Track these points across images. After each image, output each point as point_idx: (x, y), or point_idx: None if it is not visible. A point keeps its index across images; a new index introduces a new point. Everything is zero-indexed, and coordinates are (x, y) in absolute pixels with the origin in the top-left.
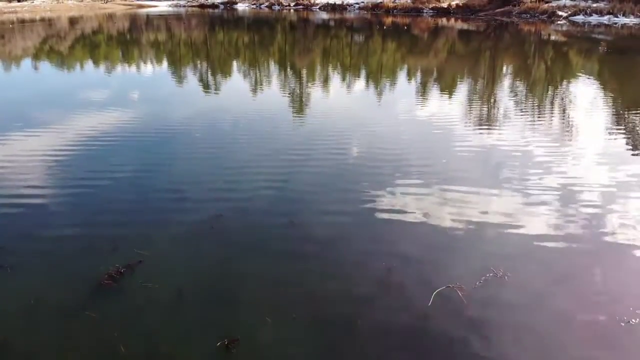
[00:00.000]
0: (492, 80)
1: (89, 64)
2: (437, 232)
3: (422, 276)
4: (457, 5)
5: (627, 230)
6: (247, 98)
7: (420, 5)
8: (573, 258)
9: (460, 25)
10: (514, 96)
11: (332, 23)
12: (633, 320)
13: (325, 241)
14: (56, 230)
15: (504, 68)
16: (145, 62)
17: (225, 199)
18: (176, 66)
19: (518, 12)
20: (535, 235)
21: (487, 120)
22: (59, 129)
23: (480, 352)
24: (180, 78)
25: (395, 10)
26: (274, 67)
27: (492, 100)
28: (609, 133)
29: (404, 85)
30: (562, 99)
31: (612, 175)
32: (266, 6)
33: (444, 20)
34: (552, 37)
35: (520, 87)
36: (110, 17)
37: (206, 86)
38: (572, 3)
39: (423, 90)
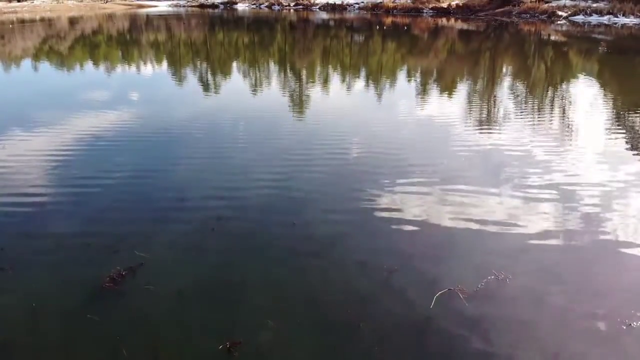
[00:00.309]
0: (492, 81)
1: (89, 65)
2: (438, 233)
3: (423, 278)
4: (457, 5)
5: (631, 232)
6: (247, 98)
7: (420, 6)
8: (575, 260)
9: (460, 25)
10: (514, 96)
11: (332, 23)
12: (634, 323)
13: (327, 243)
14: (57, 232)
15: (504, 68)
16: (145, 63)
17: (225, 200)
18: (176, 67)
19: (518, 12)
20: (536, 237)
21: (488, 121)
22: (60, 130)
23: (483, 355)
24: (180, 78)
25: (395, 11)
26: (274, 68)
27: (492, 100)
28: (610, 133)
29: (404, 86)
30: (562, 99)
31: (615, 175)
32: (266, 6)
33: (444, 20)
34: (552, 37)
35: (520, 87)
36: (110, 17)
37: (206, 87)
38: (572, 3)
39: (423, 91)
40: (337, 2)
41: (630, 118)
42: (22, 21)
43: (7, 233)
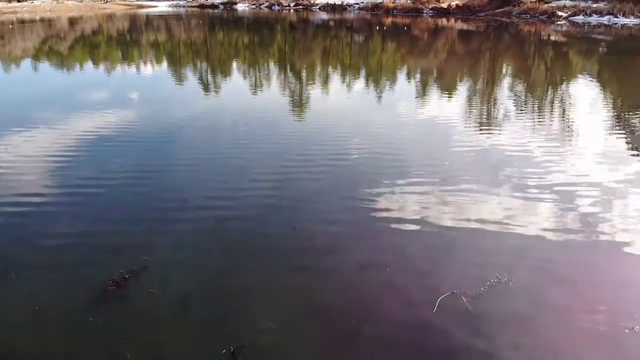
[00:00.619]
0: (492, 81)
1: (89, 65)
2: (440, 236)
3: (426, 281)
4: (457, 5)
5: (635, 232)
6: (247, 99)
7: (420, 6)
8: (579, 263)
9: (460, 25)
10: (514, 97)
11: (332, 23)
12: (638, 327)
13: (329, 246)
14: (59, 236)
15: (504, 69)
16: (145, 63)
17: (227, 202)
18: (176, 67)
19: (518, 13)
20: (539, 238)
21: (489, 121)
22: (60, 131)
23: (487, 358)
24: (180, 79)
25: (395, 11)
26: (273, 68)
27: (493, 101)
28: (612, 133)
29: (404, 86)
30: (562, 99)
31: (618, 175)
32: (266, 6)
33: (444, 20)
34: (552, 38)
35: (520, 87)
36: (110, 17)
37: (206, 87)
38: (572, 3)
39: (423, 91)
40: (337, 3)
41: (630, 118)
42: (22, 21)
43: (10, 236)
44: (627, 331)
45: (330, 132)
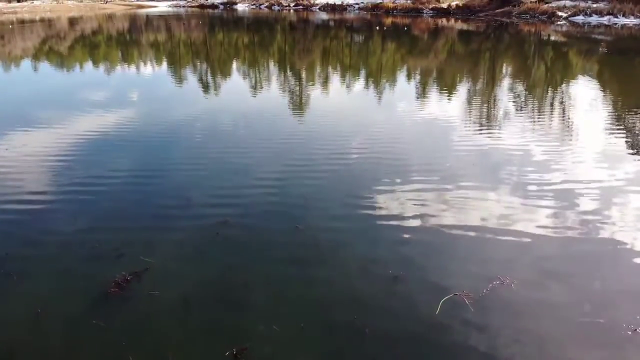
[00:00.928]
0: (492, 81)
1: (89, 65)
2: (443, 237)
3: (428, 283)
4: (457, 5)
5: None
6: (247, 99)
7: (420, 6)
8: (582, 264)
9: (460, 25)
10: (514, 97)
11: (331, 23)
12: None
13: (331, 247)
14: (61, 237)
15: (504, 69)
16: (144, 63)
17: (229, 203)
18: (176, 67)
19: (518, 13)
20: (541, 239)
21: (490, 121)
22: (60, 132)
23: None
24: (180, 79)
25: (395, 11)
26: (273, 68)
27: (493, 101)
28: (613, 133)
29: (404, 86)
30: (562, 99)
31: (627, 177)
32: (266, 6)
33: (444, 20)
34: (552, 38)
35: (520, 87)
36: (110, 17)
37: (206, 88)
38: (572, 4)
39: (423, 92)
40: (337, 3)
41: (630, 118)
42: (22, 21)
43: (11, 238)
44: (630, 333)
45: (331, 133)
